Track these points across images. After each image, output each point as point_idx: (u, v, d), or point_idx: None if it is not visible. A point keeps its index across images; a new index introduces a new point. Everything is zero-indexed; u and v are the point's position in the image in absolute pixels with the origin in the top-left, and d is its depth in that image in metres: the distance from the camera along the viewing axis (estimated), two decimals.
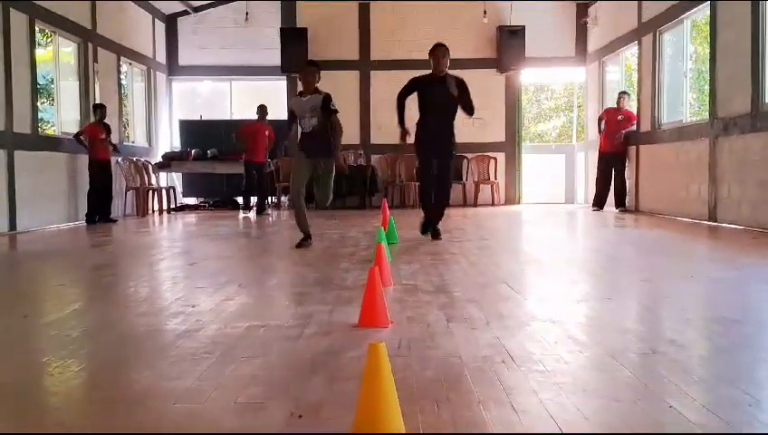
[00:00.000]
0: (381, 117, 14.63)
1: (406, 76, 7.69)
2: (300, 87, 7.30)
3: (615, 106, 12.54)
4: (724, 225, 8.91)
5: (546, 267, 5.79)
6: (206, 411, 2.25)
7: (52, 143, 10.68)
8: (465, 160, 14.56)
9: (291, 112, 7.15)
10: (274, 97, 14.85)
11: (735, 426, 2.09)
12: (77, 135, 10.91)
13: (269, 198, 13.55)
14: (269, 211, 13.23)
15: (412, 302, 4.06)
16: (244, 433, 2.07)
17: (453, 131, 7.40)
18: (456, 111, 7.32)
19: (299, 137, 7.11)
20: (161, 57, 15.08)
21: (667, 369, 2.66)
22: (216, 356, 2.90)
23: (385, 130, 14.50)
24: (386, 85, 14.80)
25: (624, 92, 12.57)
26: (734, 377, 2.57)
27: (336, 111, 6.88)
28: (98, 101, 11.59)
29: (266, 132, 12.72)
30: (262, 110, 12.83)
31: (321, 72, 7.06)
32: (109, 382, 2.65)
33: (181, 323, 3.54)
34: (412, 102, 7.39)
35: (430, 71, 7.34)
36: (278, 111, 13.11)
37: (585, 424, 2.10)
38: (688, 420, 2.11)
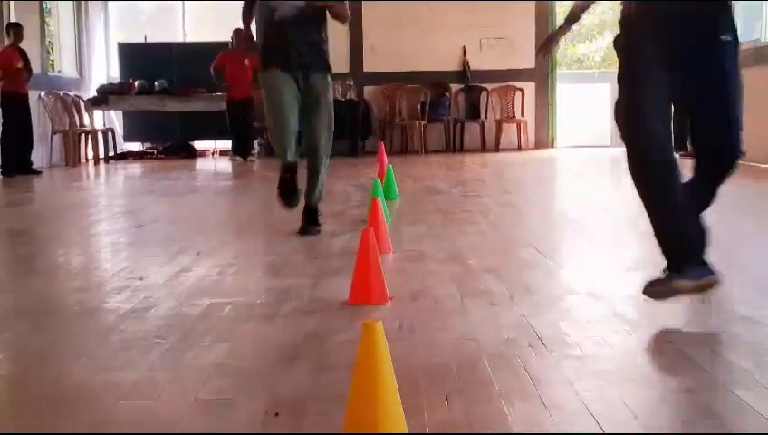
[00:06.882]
0: (376, 37, 14.52)
1: None
2: None
3: None
4: None
5: (586, 228, 5.80)
6: (160, 410, 2.28)
7: None
8: (485, 93, 14.48)
9: None
10: (238, 14, 14.70)
11: None
12: None
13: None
14: (254, 157, 13.44)
15: (417, 273, 4.08)
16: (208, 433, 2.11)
17: None
18: None
19: (264, 33, 5.49)
20: None
21: (737, 352, 2.69)
22: (172, 342, 2.93)
23: (381, 53, 14.42)
24: None
25: None
26: None
27: None
28: (12, 20, 11.47)
29: (246, 61, 12.65)
30: (238, 34, 12.45)
31: None
32: (36, 376, 2.68)
33: (126, 301, 3.56)
34: None
35: None
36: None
37: (632, 422, 2.13)
38: (762, 416, 2.14)
